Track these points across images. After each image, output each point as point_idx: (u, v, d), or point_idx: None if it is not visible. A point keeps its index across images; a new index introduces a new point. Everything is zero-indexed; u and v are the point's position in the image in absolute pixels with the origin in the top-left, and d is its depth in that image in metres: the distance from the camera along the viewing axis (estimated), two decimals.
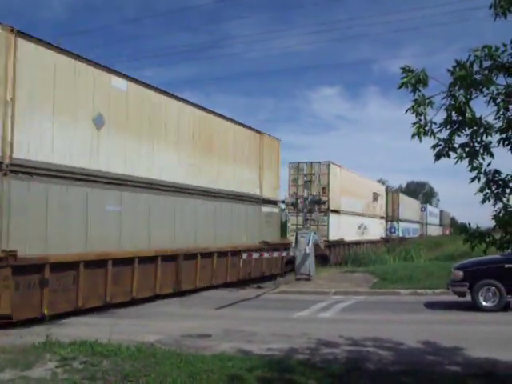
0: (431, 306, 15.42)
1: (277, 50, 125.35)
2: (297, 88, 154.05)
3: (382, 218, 42.95)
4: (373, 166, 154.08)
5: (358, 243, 34.70)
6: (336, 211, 30.35)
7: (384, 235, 43.38)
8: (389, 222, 45.47)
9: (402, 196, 55.17)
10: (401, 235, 49.79)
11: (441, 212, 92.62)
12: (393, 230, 46.39)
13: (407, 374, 7.72)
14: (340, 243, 31.14)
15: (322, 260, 26.87)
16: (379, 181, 61.82)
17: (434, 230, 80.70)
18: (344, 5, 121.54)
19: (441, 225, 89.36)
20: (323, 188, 28.48)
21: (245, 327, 11.96)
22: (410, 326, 12.17)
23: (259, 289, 20.49)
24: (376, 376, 7.66)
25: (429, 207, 79.79)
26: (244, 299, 17.43)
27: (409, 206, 57.07)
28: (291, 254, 23.00)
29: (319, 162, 29.41)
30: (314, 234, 23.17)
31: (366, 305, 16.25)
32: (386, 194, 45.77)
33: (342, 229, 31.14)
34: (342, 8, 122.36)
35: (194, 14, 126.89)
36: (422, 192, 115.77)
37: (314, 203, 24.61)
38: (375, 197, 40.09)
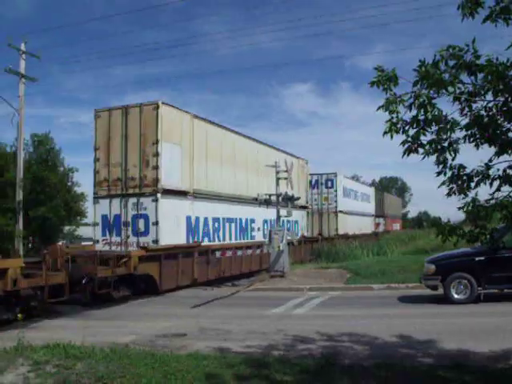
0: (405, 300, 15.60)
1: (247, 47, 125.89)
2: (268, 85, 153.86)
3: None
4: (346, 161, 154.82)
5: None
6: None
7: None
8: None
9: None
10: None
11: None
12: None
13: (381, 367, 7.81)
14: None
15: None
16: (353, 177, 62.65)
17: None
18: (314, 1, 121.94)
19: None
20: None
21: (220, 325, 11.97)
22: (384, 320, 12.31)
23: (234, 287, 20.51)
24: (350, 370, 7.73)
25: None
26: (219, 297, 17.41)
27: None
28: (265, 251, 23.11)
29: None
30: (288, 231, 23.23)
31: (341, 300, 16.37)
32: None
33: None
34: (312, 4, 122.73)
35: (164, 12, 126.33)
36: (394, 187, 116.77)
37: (287, 200, 24.64)
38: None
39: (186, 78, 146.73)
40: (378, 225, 51.55)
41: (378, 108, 5.75)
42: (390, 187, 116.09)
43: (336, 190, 36.93)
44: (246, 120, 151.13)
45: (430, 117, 5.46)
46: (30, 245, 26.09)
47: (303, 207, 33.35)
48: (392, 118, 5.74)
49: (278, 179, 24.39)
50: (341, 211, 37.40)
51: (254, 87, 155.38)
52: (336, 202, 36.87)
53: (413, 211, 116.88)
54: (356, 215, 42.13)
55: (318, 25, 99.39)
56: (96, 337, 10.49)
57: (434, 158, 5.96)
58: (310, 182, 35.58)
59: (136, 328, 11.94)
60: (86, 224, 41.09)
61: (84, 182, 30.85)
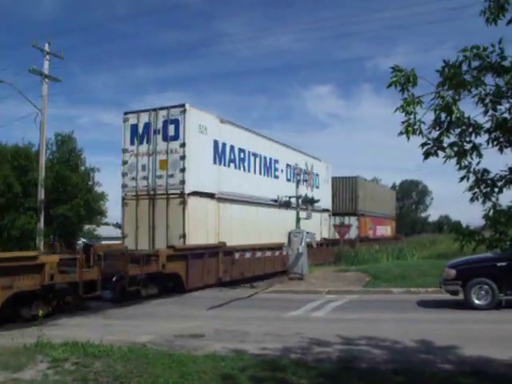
0: (424, 304, 15.44)
1: (269, 48, 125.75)
2: (289, 86, 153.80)
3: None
4: (366, 164, 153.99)
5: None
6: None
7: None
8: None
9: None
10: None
11: None
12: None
13: (399, 372, 7.73)
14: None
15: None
16: (373, 179, 61.39)
17: None
18: (336, 2, 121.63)
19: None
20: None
21: (237, 327, 11.96)
22: (403, 325, 12.19)
23: (252, 288, 20.50)
24: (368, 375, 7.66)
25: None
26: (236, 299, 17.42)
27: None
28: (284, 253, 23.08)
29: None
30: (307, 233, 23.18)
31: (359, 304, 16.26)
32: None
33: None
34: (334, 5, 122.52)
35: (186, 13, 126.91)
36: (415, 190, 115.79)
37: (307, 202, 24.59)
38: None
39: (207, 78, 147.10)
40: (341, 228, 36.69)
41: (396, 109, 5.68)
42: (410, 191, 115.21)
43: (184, 145, 19.49)
44: (267, 121, 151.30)
45: (454, 118, 5.38)
46: (50, 243, 26.38)
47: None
48: (409, 119, 5.67)
49: (298, 181, 24.35)
50: (195, 193, 20.11)
51: (275, 88, 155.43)
52: (184, 173, 19.45)
53: (434, 215, 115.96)
54: (251, 205, 24.44)
55: (340, 26, 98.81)
56: (114, 335, 10.57)
57: (454, 161, 5.88)
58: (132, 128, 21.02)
59: (154, 328, 12.00)
60: (107, 224, 41.52)
61: (104, 182, 31.27)
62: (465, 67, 5.30)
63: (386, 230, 49.21)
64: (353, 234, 37.96)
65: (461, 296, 14.52)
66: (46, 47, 26.70)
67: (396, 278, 20.81)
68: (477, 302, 14.12)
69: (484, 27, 5.43)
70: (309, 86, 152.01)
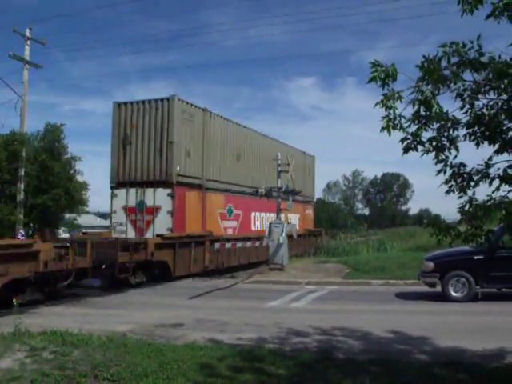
0: (402, 296, 15.63)
1: (254, 39, 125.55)
2: (273, 78, 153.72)
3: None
4: (348, 156, 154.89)
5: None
6: None
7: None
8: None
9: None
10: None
11: None
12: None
13: (375, 362, 7.84)
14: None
15: None
16: (354, 172, 61.74)
17: None
18: None
19: None
20: None
21: (217, 317, 12.01)
22: (381, 316, 12.35)
23: (233, 278, 20.57)
24: (345, 365, 7.75)
25: None
26: (217, 289, 17.48)
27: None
28: (264, 243, 23.20)
29: None
30: (288, 224, 23.27)
31: (339, 295, 16.41)
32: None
33: None
34: None
35: (171, 2, 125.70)
36: (396, 183, 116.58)
37: (288, 193, 24.69)
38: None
39: (191, 68, 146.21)
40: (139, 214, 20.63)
41: (376, 104, 5.73)
42: (392, 183, 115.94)
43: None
44: (251, 112, 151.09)
45: (433, 113, 5.43)
46: (30, 232, 26.07)
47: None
48: (389, 114, 5.72)
49: (279, 172, 24.41)
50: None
51: (259, 80, 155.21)
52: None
53: (414, 208, 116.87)
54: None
55: (325, 18, 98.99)
56: (94, 324, 10.57)
57: (433, 155, 5.95)
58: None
59: (134, 317, 12.00)
60: (87, 212, 41.14)
61: (86, 171, 31.04)
62: (444, 63, 5.36)
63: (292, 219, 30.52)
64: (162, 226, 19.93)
65: (438, 288, 14.72)
66: (28, 33, 26.29)
67: (375, 269, 21.03)
68: (454, 294, 14.33)
69: (467, 22, 5.49)
70: (293, 78, 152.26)
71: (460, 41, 5.29)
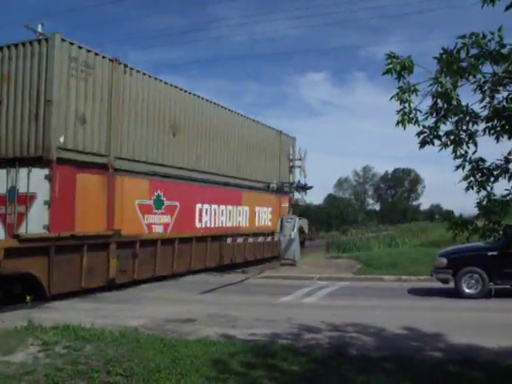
0: (415, 292, 15.54)
1: (263, 35, 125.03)
2: (283, 73, 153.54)
3: None
4: (359, 151, 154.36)
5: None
6: None
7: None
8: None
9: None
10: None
11: None
12: None
13: (389, 359, 7.77)
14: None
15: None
16: (365, 167, 61.67)
17: None
18: None
19: None
20: None
21: (229, 312, 11.97)
22: (394, 312, 12.25)
23: (243, 273, 20.55)
24: (358, 361, 7.68)
25: None
26: (228, 284, 17.46)
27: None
28: (276, 239, 23.14)
29: None
30: (299, 219, 23.22)
31: (350, 290, 16.33)
32: None
33: None
34: None
35: None
36: (407, 179, 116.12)
37: (300, 188, 24.62)
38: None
39: (199, 64, 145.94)
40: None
41: (391, 97, 5.63)
42: (403, 179, 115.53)
43: None
44: (260, 107, 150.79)
45: (452, 106, 5.33)
46: None
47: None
48: (404, 107, 5.63)
49: (290, 167, 24.28)
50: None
51: (269, 75, 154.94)
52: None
53: (425, 203, 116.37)
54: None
55: (335, 13, 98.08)
56: (106, 319, 10.57)
57: (449, 150, 5.85)
58: None
59: (146, 312, 11.99)
60: None
61: None
62: (463, 54, 5.25)
63: (261, 214, 25.07)
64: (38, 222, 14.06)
65: (451, 284, 14.61)
66: (39, 28, 26.30)
67: (387, 265, 20.94)
68: (467, 290, 14.21)
69: (477, 17, 5.39)
70: (302, 73, 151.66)
71: (480, 32, 5.17)
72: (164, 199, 17.95)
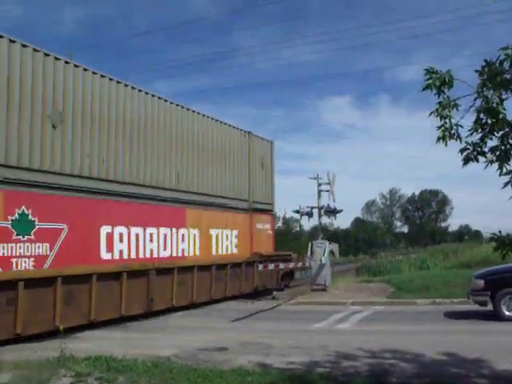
0: (451, 315, 15.10)
1: (286, 60, 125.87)
2: (306, 98, 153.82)
3: None
4: (385, 174, 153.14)
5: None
6: None
7: None
8: None
9: None
10: None
11: None
12: None
13: None
14: None
15: None
16: (391, 190, 61.33)
17: None
18: (352, 13, 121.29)
19: None
20: None
21: (261, 340, 11.72)
22: (431, 337, 11.87)
23: (274, 300, 20.26)
24: None
25: None
26: (259, 311, 17.21)
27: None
28: (307, 264, 22.87)
29: None
30: (329, 243, 22.94)
31: (384, 315, 15.96)
32: None
33: None
34: (350, 17, 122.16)
35: (203, 26, 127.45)
36: (435, 200, 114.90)
37: (329, 212, 24.38)
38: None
39: (223, 91, 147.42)
40: None
41: (431, 113, 5.49)
42: (430, 200, 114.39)
43: None
44: (284, 133, 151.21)
45: (500, 120, 5.15)
46: None
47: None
48: (445, 123, 5.47)
49: (319, 191, 24.09)
50: None
51: (292, 100, 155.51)
52: None
53: (453, 225, 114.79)
54: None
55: (356, 37, 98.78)
56: (137, 349, 10.42)
57: (476, 170, 5.65)
58: None
59: (177, 341, 11.80)
60: None
61: None
62: (506, 66, 5.09)
63: (222, 238, 20.09)
64: None
65: (489, 307, 14.17)
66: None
67: (420, 288, 20.49)
68: (507, 313, 13.75)
69: (502, 34, 5.22)
70: (326, 97, 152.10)
71: None
72: (34, 219, 12.33)
